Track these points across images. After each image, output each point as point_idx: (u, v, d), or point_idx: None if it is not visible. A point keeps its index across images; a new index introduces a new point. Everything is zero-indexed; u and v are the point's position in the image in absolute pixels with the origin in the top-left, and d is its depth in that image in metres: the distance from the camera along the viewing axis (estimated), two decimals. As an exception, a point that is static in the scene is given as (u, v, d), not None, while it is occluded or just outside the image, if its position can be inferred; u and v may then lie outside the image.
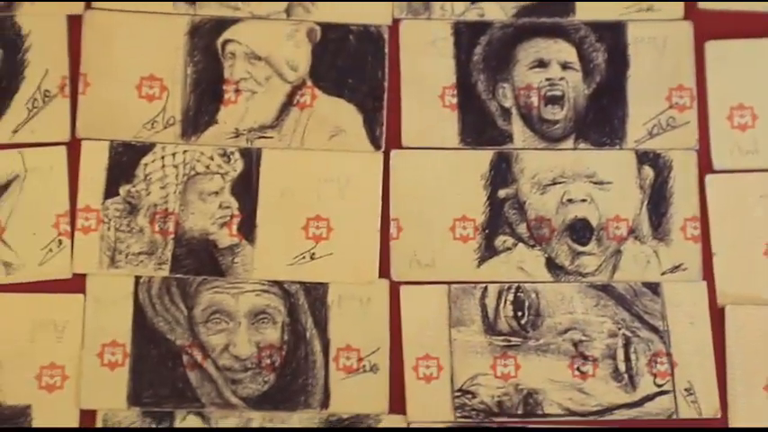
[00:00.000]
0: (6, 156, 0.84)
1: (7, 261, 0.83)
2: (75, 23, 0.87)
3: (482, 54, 0.88)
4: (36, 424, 0.80)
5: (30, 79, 0.85)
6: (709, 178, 0.86)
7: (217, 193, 0.85)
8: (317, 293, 0.84)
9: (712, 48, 0.88)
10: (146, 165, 0.85)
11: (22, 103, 0.85)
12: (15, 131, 0.85)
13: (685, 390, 0.82)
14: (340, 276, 0.84)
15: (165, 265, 0.84)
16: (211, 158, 0.85)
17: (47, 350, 0.81)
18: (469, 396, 0.82)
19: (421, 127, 0.87)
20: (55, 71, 0.86)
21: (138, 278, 0.83)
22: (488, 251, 0.85)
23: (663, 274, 0.84)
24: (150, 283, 0.83)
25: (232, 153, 0.85)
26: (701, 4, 0.89)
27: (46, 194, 0.84)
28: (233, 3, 0.88)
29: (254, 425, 0.82)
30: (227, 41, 0.87)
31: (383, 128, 0.86)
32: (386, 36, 0.88)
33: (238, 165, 0.85)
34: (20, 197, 0.84)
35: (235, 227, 0.84)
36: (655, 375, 0.82)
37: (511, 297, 0.84)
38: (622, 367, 0.83)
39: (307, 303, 0.83)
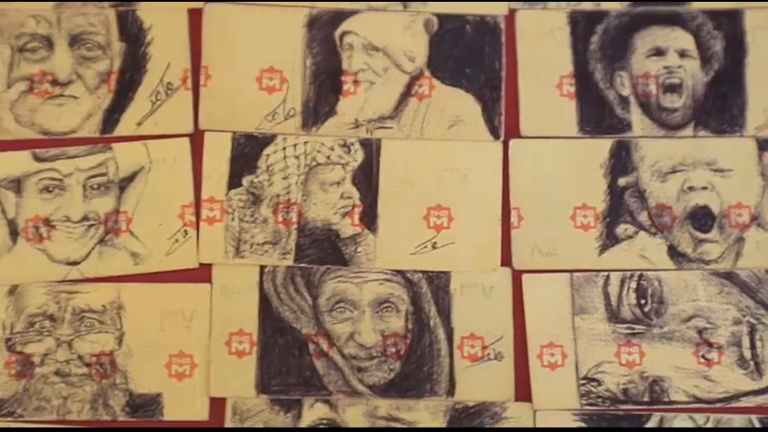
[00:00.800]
0: (131, 148, 0.85)
1: (135, 251, 0.84)
2: (195, 17, 0.88)
3: (599, 43, 0.88)
4: (167, 412, 0.82)
5: (152, 72, 0.87)
6: (831, 165, 0.86)
7: (338, 183, 0.86)
8: (439, 282, 0.84)
9: (831, 34, 0.88)
10: (267, 156, 0.86)
11: (146, 95, 0.86)
12: (140, 124, 0.86)
13: (813, 377, 0.82)
14: (462, 265, 0.84)
15: (288, 255, 0.84)
16: (332, 149, 0.86)
17: (175, 339, 0.83)
18: (595, 383, 0.82)
19: (539, 116, 0.87)
20: (177, 64, 0.87)
21: (262, 268, 0.84)
22: (610, 239, 0.85)
23: (787, 261, 0.84)
24: (275, 272, 0.84)
25: (352, 144, 0.86)
26: (819, -7, 0.88)
27: (171, 185, 0.85)
28: (349, -4, 0.89)
29: (381, 413, 0.82)
30: (344, 33, 0.88)
31: (502, 117, 0.87)
32: (502, 26, 0.88)
33: (359, 155, 0.86)
34: (145, 188, 0.85)
35: (357, 216, 0.85)
36: (781, 362, 0.82)
37: (634, 285, 0.84)
38: (748, 354, 0.82)
39: (429, 292, 0.84)
